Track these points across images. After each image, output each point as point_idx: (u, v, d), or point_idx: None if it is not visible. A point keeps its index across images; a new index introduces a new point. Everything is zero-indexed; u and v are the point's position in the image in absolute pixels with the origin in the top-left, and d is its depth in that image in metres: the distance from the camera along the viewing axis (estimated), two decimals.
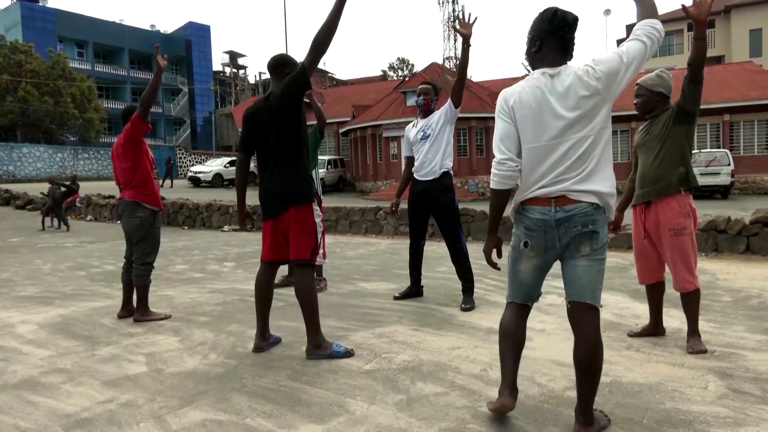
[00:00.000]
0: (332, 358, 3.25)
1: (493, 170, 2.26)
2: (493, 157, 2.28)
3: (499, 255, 2.41)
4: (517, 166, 2.22)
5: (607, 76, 2.12)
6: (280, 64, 3.32)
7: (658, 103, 3.32)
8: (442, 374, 2.98)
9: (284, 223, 3.28)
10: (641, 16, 2.23)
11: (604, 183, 2.16)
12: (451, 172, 4.60)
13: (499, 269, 2.47)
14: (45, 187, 15.27)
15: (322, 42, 3.03)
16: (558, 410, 2.49)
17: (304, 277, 3.30)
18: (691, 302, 3.30)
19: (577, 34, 2.24)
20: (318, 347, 3.28)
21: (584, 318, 2.19)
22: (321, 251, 3.34)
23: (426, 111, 4.63)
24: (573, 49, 2.25)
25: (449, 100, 4.49)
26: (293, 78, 3.19)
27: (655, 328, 3.56)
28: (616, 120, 22.33)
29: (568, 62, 2.24)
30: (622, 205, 3.66)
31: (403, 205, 4.95)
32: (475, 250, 4.69)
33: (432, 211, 4.62)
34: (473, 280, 4.58)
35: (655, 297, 3.53)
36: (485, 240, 2.41)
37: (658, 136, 3.28)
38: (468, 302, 4.45)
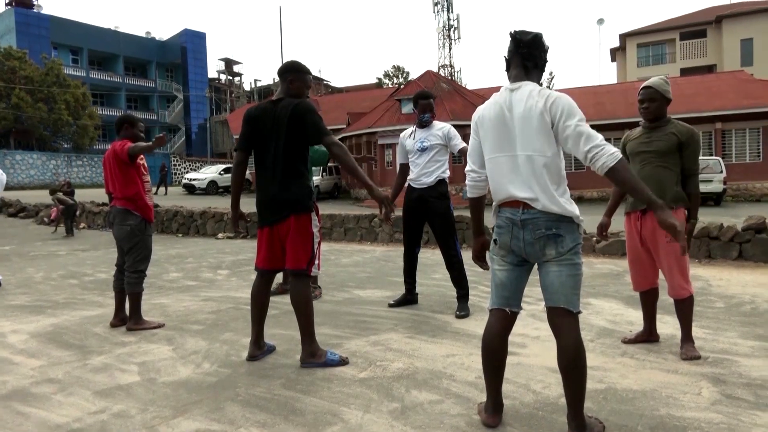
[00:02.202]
0: (327, 367, 3.23)
1: (466, 181, 2.50)
2: None
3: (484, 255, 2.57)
4: (479, 177, 2.44)
5: (553, 108, 2.20)
6: (287, 70, 3.34)
7: (665, 109, 3.32)
8: (437, 382, 2.97)
9: (281, 232, 3.27)
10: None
11: (567, 208, 2.23)
12: (447, 180, 4.61)
13: (487, 269, 2.56)
14: (36, 194, 15.20)
15: (335, 156, 3.23)
16: (553, 417, 2.49)
17: (301, 285, 3.28)
18: (685, 309, 3.31)
19: (540, 52, 2.35)
20: (313, 355, 3.27)
21: (561, 322, 2.26)
22: (316, 261, 3.33)
23: (429, 123, 4.62)
24: (536, 66, 2.36)
25: (460, 148, 4.44)
26: (313, 130, 3.20)
27: (649, 335, 3.56)
28: (613, 128, 22.47)
29: (534, 79, 2.35)
30: (609, 210, 3.68)
31: (398, 212, 4.94)
32: (469, 257, 4.67)
33: (427, 218, 4.62)
34: (468, 287, 4.58)
35: (649, 304, 3.54)
36: (474, 243, 2.59)
37: (660, 153, 3.27)
38: (463, 309, 4.45)
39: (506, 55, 2.40)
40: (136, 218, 4.24)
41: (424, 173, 4.54)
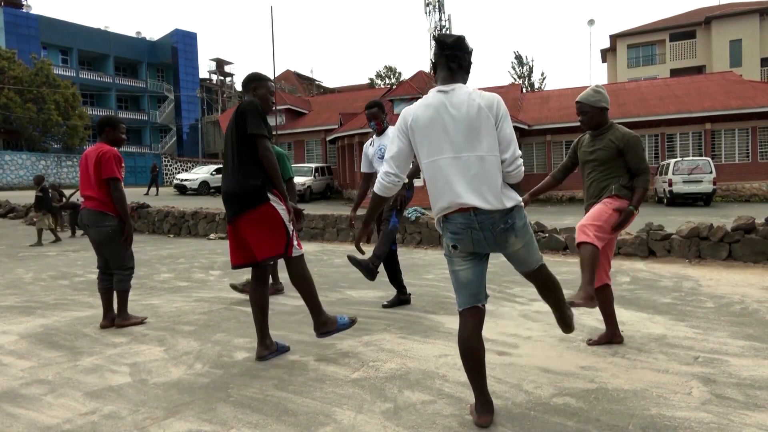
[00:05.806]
0: (340, 331, 3.46)
1: (378, 178, 2.50)
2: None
3: (368, 241, 2.76)
4: (398, 180, 2.47)
5: (496, 109, 2.34)
6: (250, 80, 3.54)
7: (602, 117, 3.40)
8: (430, 382, 2.97)
9: (242, 226, 3.33)
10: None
11: (513, 197, 2.36)
12: (406, 182, 4.69)
13: (363, 253, 2.81)
14: (26, 195, 15.08)
15: (259, 155, 3.27)
16: (545, 417, 2.50)
17: (296, 266, 3.38)
18: (584, 257, 3.18)
19: (463, 53, 2.42)
20: (325, 324, 3.42)
21: (538, 275, 2.52)
22: (296, 242, 3.37)
23: (380, 131, 4.78)
24: (461, 67, 2.43)
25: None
26: (250, 124, 3.27)
27: (611, 336, 3.56)
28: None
29: (462, 81, 2.43)
30: (535, 191, 3.69)
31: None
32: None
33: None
34: (402, 280, 4.91)
35: (603, 303, 3.50)
36: (360, 228, 2.76)
37: (603, 161, 3.36)
38: (395, 303, 4.76)
39: (433, 58, 2.47)
40: (113, 219, 4.21)
41: None
